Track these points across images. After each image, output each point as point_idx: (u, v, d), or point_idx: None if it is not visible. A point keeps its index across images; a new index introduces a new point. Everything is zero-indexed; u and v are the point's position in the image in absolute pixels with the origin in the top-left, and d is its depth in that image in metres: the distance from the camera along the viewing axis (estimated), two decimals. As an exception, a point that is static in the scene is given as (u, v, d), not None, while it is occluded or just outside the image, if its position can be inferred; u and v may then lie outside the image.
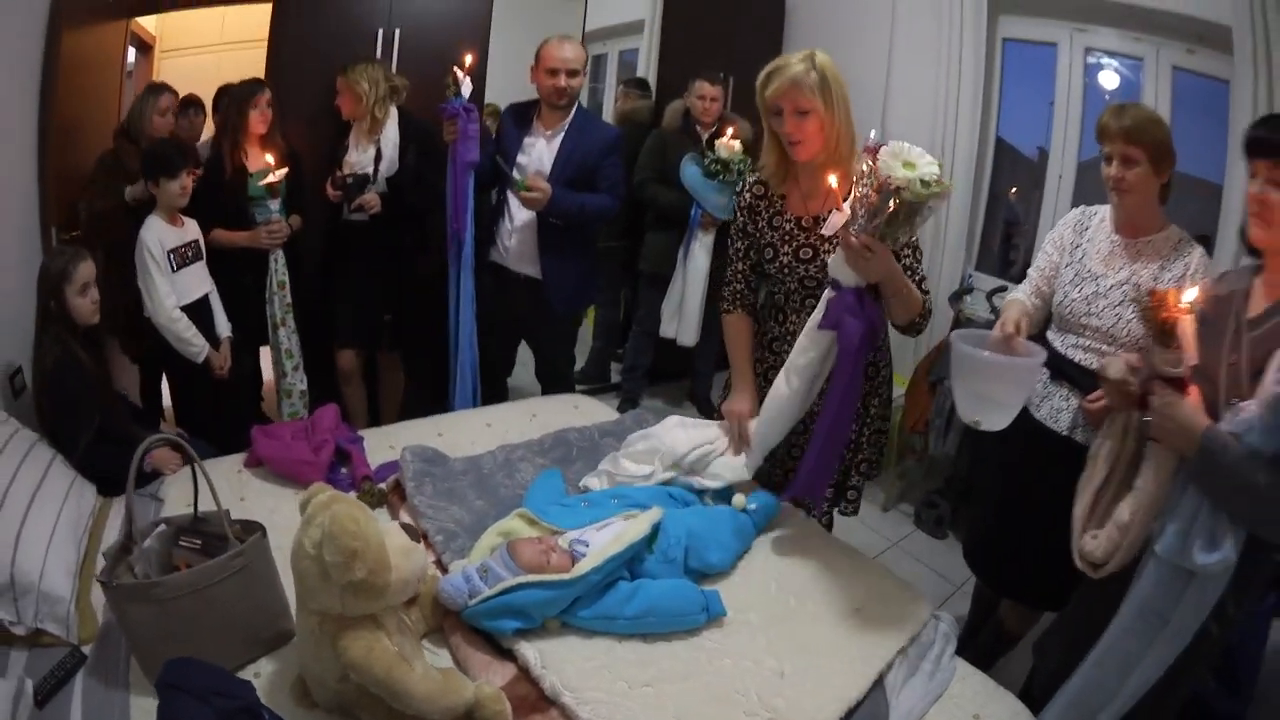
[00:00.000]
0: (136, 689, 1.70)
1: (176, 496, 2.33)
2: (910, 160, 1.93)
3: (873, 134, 2.08)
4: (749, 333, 2.66)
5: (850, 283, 2.13)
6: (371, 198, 3.69)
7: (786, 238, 2.46)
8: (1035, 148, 4.62)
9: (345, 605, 1.54)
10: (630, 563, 2.04)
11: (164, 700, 1.40)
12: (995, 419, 2.11)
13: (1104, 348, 2.36)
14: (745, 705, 1.78)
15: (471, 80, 3.45)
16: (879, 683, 1.91)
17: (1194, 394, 1.75)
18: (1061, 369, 2.46)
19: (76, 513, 2.20)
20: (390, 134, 3.78)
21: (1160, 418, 1.78)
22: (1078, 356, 2.42)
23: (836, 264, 2.15)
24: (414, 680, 1.54)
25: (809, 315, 2.29)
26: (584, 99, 5.29)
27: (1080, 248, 2.48)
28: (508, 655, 1.85)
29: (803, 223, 2.44)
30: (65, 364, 2.61)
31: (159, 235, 3.19)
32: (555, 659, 1.82)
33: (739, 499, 2.46)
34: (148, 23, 5.15)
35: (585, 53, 3.64)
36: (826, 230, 2.13)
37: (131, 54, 4.80)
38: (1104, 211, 2.49)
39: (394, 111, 3.80)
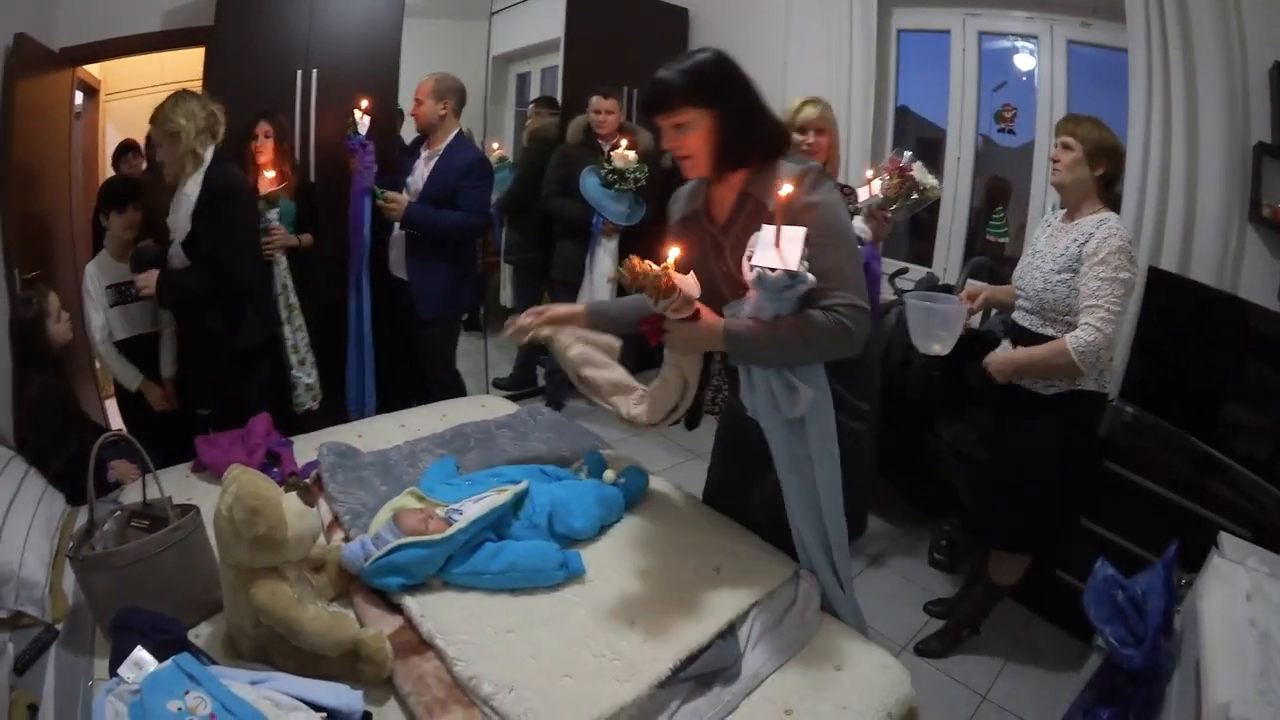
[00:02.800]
0: (100, 654, 1.98)
1: (134, 500, 2.55)
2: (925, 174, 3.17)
3: (906, 154, 3.22)
4: None
5: (870, 240, 3.12)
6: (146, 278, 3.32)
7: None
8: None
9: (253, 558, 1.88)
10: (498, 527, 2.34)
11: (116, 639, 1.76)
12: (936, 348, 2.90)
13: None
14: (594, 648, 2.00)
15: (370, 117, 3.97)
16: (730, 634, 2.12)
17: (703, 311, 2.07)
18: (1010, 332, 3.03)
19: (48, 515, 2.50)
20: (190, 188, 3.29)
21: (684, 344, 2.16)
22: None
23: (862, 228, 3.11)
24: (307, 619, 1.87)
25: None
26: (507, 119, 5.66)
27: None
28: (397, 610, 2.12)
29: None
30: (48, 393, 2.93)
31: (102, 268, 3.51)
32: (433, 609, 2.08)
33: (609, 474, 2.76)
34: (93, 68, 5.41)
35: (435, 83, 4.07)
36: (861, 204, 3.13)
37: (79, 98, 5.05)
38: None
39: (208, 157, 3.33)
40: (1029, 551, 3.12)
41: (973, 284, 3.51)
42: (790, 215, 1.93)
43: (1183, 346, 3.06)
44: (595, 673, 1.94)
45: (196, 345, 3.59)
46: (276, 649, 1.94)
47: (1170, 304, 2.83)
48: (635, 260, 1.93)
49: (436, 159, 4.15)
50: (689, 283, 1.99)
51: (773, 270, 1.86)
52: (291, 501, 1.98)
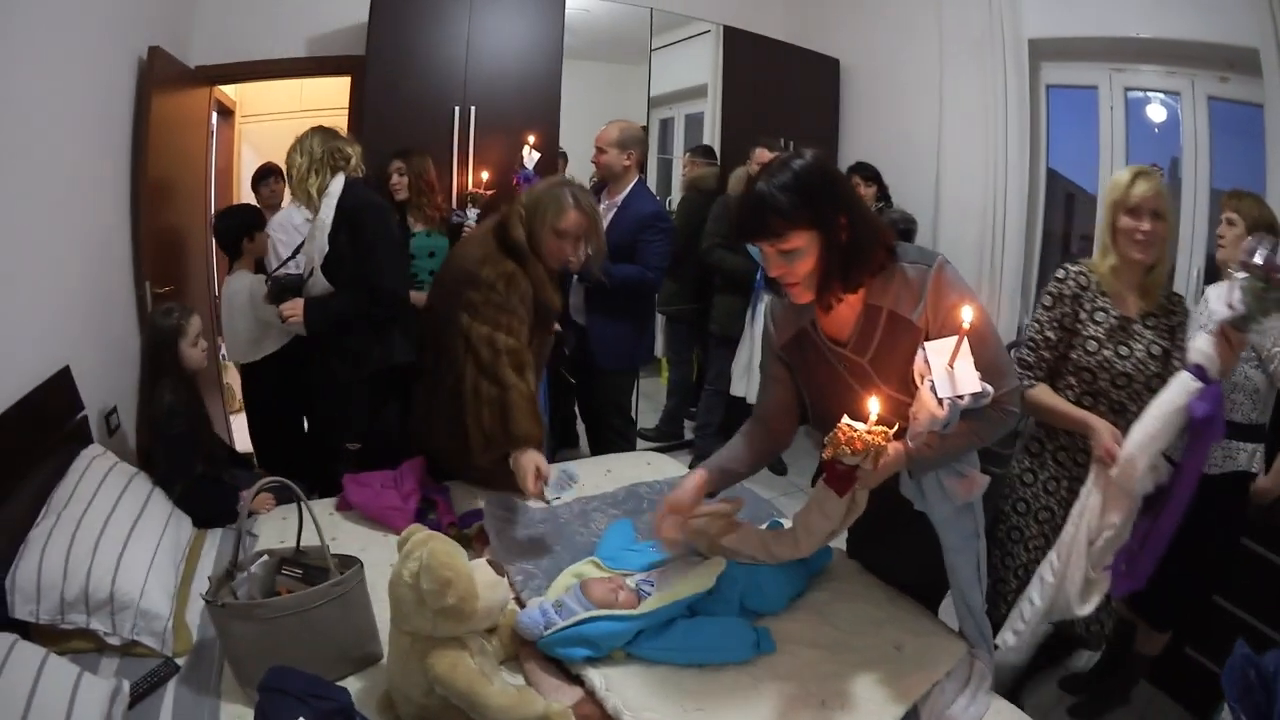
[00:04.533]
0: (227, 697, 1.86)
1: (270, 533, 2.50)
2: None
3: (1264, 244, 2.12)
4: (1052, 391, 2.58)
5: (1215, 375, 2.16)
6: (292, 307, 3.21)
7: (1110, 334, 2.49)
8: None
9: (436, 627, 1.71)
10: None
11: (265, 700, 1.54)
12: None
13: None
14: None
15: (539, 154, 3.86)
16: (914, 713, 1.99)
17: (890, 449, 1.80)
18: None
19: (175, 541, 2.36)
20: (325, 213, 3.16)
21: (875, 482, 1.95)
22: None
23: (1208, 355, 2.16)
24: (492, 693, 1.69)
25: (1116, 413, 2.43)
26: (652, 167, 5.53)
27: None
28: (576, 680, 1.96)
29: (1122, 321, 2.48)
30: (178, 410, 2.75)
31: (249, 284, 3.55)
32: (618, 683, 1.93)
33: None
34: (228, 89, 5.44)
35: (620, 133, 3.92)
36: (1218, 316, 2.15)
37: (214, 119, 5.04)
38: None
39: (338, 185, 3.18)
40: (1173, 628, 3.03)
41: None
42: (942, 317, 1.88)
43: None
44: (787, 755, 1.84)
45: (340, 372, 3.30)
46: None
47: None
48: (845, 429, 1.72)
49: (616, 210, 4.03)
50: (893, 447, 1.83)
51: (961, 398, 1.69)
52: (482, 571, 1.84)
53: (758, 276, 4.55)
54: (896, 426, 1.77)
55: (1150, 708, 3.30)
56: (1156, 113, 4.42)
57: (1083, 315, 2.52)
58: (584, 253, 3.12)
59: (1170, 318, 2.51)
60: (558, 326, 3.44)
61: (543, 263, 2.94)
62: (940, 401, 1.68)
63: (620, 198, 4.00)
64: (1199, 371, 2.18)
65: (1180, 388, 2.20)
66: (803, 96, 5.86)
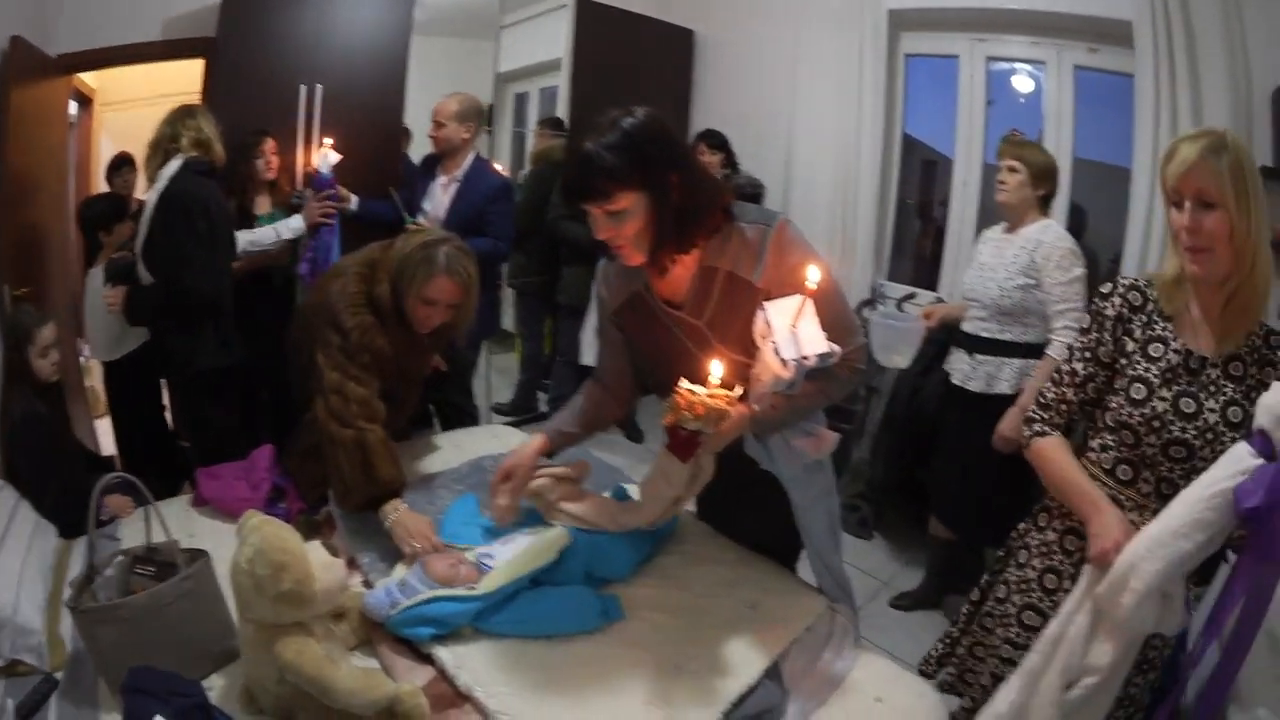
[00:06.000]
0: (105, 707, 1.86)
1: (131, 536, 2.47)
2: None
3: None
4: (1068, 447, 1.98)
5: None
6: (113, 295, 3.28)
7: (1167, 377, 1.79)
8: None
9: (277, 614, 1.74)
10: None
11: (129, 703, 1.60)
12: (896, 359, 3.34)
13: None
14: (643, 695, 1.90)
15: (339, 153, 3.92)
16: (775, 672, 2.01)
17: (734, 412, 1.78)
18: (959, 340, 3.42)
19: (42, 553, 2.35)
20: (151, 197, 3.15)
21: (718, 446, 2.00)
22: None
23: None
24: (339, 677, 1.72)
25: (1163, 499, 1.72)
26: (505, 141, 5.56)
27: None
28: (427, 659, 1.99)
29: (1193, 361, 1.80)
30: (30, 418, 2.76)
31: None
32: (468, 660, 1.96)
33: None
34: (88, 77, 5.30)
35: (460, 105, 4.01)
36: None
37: (73, 107, 4.93)
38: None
39: (171, 169, 3.16)
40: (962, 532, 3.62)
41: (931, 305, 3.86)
42: (784, 276, 1.87)
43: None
44: (648, 723, 1.86)
45: (163, 368, 3.39)
46: (302, 706, 1.80)
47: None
48: (685, 393, 1.74)
49: (458, 184, 4.10)
50: (738, 408, 1.85)
51: (805, 358, 1.69)
52: (317, 552, 1.85)
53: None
54: (740, 390, 1.77)
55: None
56: (1023, 83, 4.56)
57: (1130, 346, 1.86)
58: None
59: (1263, 369, 1.76)
60: (443, 365, 3.36)
61: (410, 325, 2.68)
62: (784, 362, 1.69)
63: (460, 171, 4.10)
64: (1261, 442, 1.54)
65: (1231, 464, 1.55)
66: (657, 68, 5.93)
